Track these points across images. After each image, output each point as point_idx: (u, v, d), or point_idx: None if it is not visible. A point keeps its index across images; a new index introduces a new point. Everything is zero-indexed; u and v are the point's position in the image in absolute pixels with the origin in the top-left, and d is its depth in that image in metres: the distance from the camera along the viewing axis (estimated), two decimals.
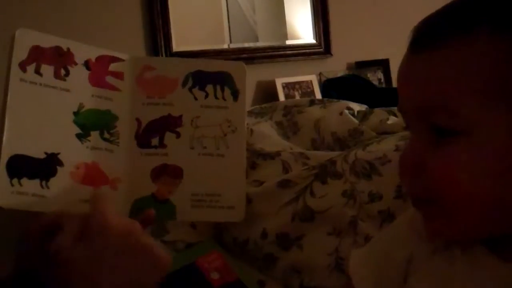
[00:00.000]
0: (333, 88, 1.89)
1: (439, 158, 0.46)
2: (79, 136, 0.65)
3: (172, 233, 0.84)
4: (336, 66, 2.06)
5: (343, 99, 1.16)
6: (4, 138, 0.60)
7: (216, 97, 0.68)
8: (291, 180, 0.82)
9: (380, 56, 2.08)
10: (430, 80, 0.46)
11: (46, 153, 0.62)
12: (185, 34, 1.80)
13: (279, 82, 1.88)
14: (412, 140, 0.49)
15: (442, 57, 0.46)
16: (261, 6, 2.06)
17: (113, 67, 0.67)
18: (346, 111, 1.03)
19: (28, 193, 0.61)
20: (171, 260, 0.57)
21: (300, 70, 1.98)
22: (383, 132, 0.95)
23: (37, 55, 0.63)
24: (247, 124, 1.00)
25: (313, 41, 2.05)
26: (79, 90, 0.65)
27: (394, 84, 2.09)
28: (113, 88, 0.67)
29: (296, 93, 1.90)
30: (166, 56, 1.67)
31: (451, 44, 0.45)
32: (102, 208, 0.56)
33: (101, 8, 1.66)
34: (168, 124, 0.67)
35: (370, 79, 2.05)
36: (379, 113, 1.02)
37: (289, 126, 1.05)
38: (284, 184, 0.82)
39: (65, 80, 0.64)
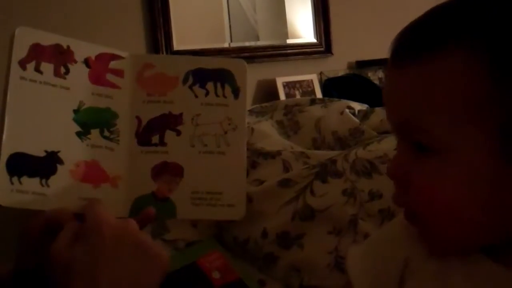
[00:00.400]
0: (334, 88, 1.89)
1: (420, 173, 0.46)
2: (79, 134, 0.64)
3: (173, 232, 0.84)
4: (336, 65, 2.06)
5: (344, 98, 1.16)
6: (4, 136, 0.60)
7: (216, 95, 0.68)
8: (291, 179, 0.82)
9: (381, 55, 2.06)
10: (404, 98, 0.46)
11: (46, 151, 0.62)
12: (186, 33, 1.80)
13: (279, 81, 1.88)
14: (397, 153, 0.49)
15: (414, 75, 0.45)
16: (262, 5, 2.06)
17: (113, 64, 0.67)
18: (347, 111, 1.03)
19: (28, 191, 0.61)
20: (170, 258, 0.57)
21: (301, 69, 1.98)
22: (384, 132, 0.95)
23: (37, 53, 0.63)
24: (248, 123, 1.00)
25: (314, 40, 2.05)
26: (79, 88, 0.65)
27: None
28: (113, 86, 0.67)
29: (297, 92, 1.90)
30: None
31: (422, 62, 0.45)
32: (96, 208, 0.56)
33: (102, 7, 1.66)
34: (168, 122, 0.67)
35: (371, 78, 2.05)
36: (379, 112, 1.02)
37: (289, 125, 1.05)
38: (284, 183, 0.82)
39: (65, 78, 0.64)
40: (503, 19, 0.43)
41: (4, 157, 0.60)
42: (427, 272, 0.51)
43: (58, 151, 0.63)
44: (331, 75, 2.00)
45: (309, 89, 1.94)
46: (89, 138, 0.65)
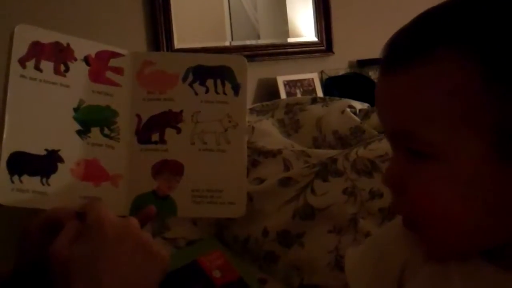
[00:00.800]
0: (335, 86, 1.89)
1: (415, 180, 0.46)
2: (79, 133, 0.64)
3: (173, 230, 0.84)
4: (337, 64, 2.06)
5: (345, 97, 1.16)
6: (4, 135, 0.60)
7: (216, 92, 0.67)
8: (292, 178, 0.82)
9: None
10: (397, 104, 0.46)
11: (46, 149, 0.62)
12: (187, 31, 1.80)
13: (280, 80, 1.88)
14: (392, 160, 0.49)
15: (405, 81, 0.45)
16: (263, 3, 2.06)
17: (113, 62, 0.67)
18: (348, 110, 1.03)
19: (28, 190, 0.61)
20: (171, 257, 0.57)
21: (302, 68, 1.98)
22: None
23: (37, 51, 0.62)
24: (249, 122, 1.00)
25: (315, 39, 2.05)
26: (79, 86, 0.65)
27: None
28: (113, 83, 0.66)
29: (298, 91, 1.90)
30: None
31: (413, 67, 0.44)
32: (98, 207, 0.56)
33: (103, 5, 1.66)
34: (168, 120, 0.67)
35: (372, 77, 2.04)
36: None
37: (290, 124, 1.05)
38: (285, 182, 0.82)
39: (65, 76, 0.64)
40: (493, 22, 0.43)
41: (5, 156, 0.59)
42: (426, 274, 0.50)
43: (59, 150, 0.62)
44: (332, 74, 1.99)
45: (310, 88, 1.94)
46: (89, 137, 0.64)
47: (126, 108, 0.66)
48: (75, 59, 0.65)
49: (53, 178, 0.62)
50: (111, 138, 0.65)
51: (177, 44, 1.74)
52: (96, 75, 0.66)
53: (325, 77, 1.99)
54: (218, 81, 0.67)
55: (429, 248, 0.49)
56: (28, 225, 0.60)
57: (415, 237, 0.51)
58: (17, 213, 0.61)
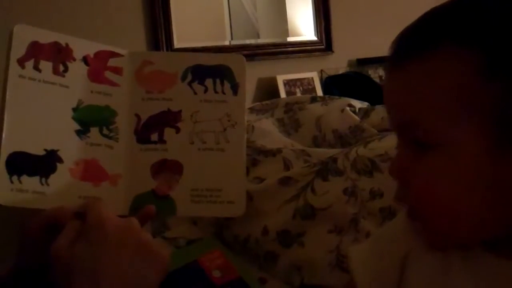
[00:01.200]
0: (335, 85, 1.89)
1: (420, 170, 0.47)
2: (78, 133, 0.64)
3: (173, 230, 0.84)
4: (337, 63, 2.05)
5: (344, 96, 1.15)
6: (4, 135, 0.59)
7: (215, 91, 0.67)
8: (292, 177, 0.82)
9: (382, 53, 2.05)
10: (402, 97, 0.48)
11: (45, 150, 0.62)
12: (186, 31, 1.80)
13: (280, 79, 1.88)
14: (398, 151, 0.51)
15: (410, 74, 0.47)
16: (263, 3, 2.06)
17: (112, 62, 0.67)
18: (348, 108, 1.03)
19: (28, 190, 0.61)
20: (171, 257, 0.57)
21: (301, 67, 1.97)
22: (384, 130, 0.95)
23: (36, 51, 0.62)
24: (249, 121, 0.99)
25: (315, 38, 2.05)
26: (78, 86, 0.65)
27: None
28: (112, 83, 0.66)
29: (297, 90, 1.90)
30: None
31: (417, 62, 0.46)
32: (98, 207, 0.56)
33: (102, 4, 1.66)
34: (167, 119, 0.67)
35: (372, 76, 2.04)
36: (380, 110, 1.02)
37: (290, 123, 1.05)
38: (285, 182, 0.82)
39: (64, 76, 0.64)
40: (495, 20, 0.44)
41: (4, 156, 0.59)
42: (427, 261, 0.52)
43: (58, 150, 0.62)
44: (332, 73, 1.99)
45: (310, 87, 1.94)
46: (89, 137, 0.64)
47: (125, 108, 0.66)
48: (74, 59, 0.65)
49: (52, 178, 0.62)
50: (110, 138, 0.65)
51: (176, 44, 1.74)
52: (95, 75, 0.65)
53: (324, 76, 1.98)
54: (217, 81, 0.67)
55: (431, 238, 0.51)
56: (28, 225, 0.60)
57: (418, 228, 0.52)
58: (17, 213, 0.61)
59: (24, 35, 0.62)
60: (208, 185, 0.66)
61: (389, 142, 0.81)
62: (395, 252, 0.55)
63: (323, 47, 2.05)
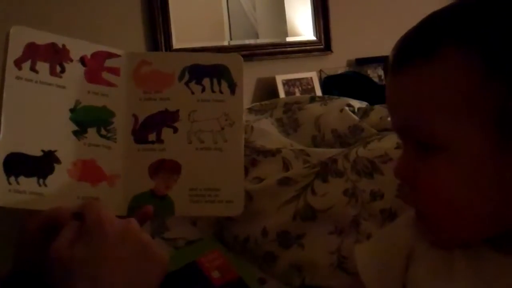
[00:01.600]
0: (334, 85, 1.89)
1: (425, 171, 0.48)
2: (76, 133, 0.64)
3: (173, 231, 0.84)
4: (336, 63, 2.06)
5: (344, 96, 1.15)
6: (1, 137, 0.59)
7: (213, 91, 0.67)
8: (291, 178, 0.82)
9: (381, 53, 2.06)
10: (406, 99, 0.49)
11: (43, 150, 0.62)
12: (185, 31, 1.80)
13: (279, 79, 1.88)
14: (403, 153, 0.51)
15: (413, 76, 0.48)
16: (262, 3, 2.06)
17: (109, 63, 0.66)
18: (347, 108, 1.03)
19: (25, 191, 0.60)
20: (170, 257, 0.57)
21: (300, 67, 1.97)
22: (384, 129, 0.94)
23: (32, 52, 0.62)
24: (248, 121, 0.99)
25: (314, 38, 2.05)
26: (75, 86, 0.64)
27: None
28: (109, 84, 0.66)
29: (296, 90, 1.89)
30: None
31: (419, 65, 0.47)
32: (96, 207, 0.56)
33: (101, 5, 1.66)
34: (165, 119, 0.67)
35: (370, 76, 2.04)
36: (379, 110, 1.01)
37: (289, 123, 1.04)
38: (284, 182, 0.82)
39: (61, 77, 0.64)
40: (495, 23, 0.45)
41: (1, 157, 0.59)
42: (431, 257, 0.53)
43: (55, 151, 0.62)
44: (331, 72, 1.99)
45: (309, 87, 1.94)
46: (86, 137, 0.64)
47: (122, 108, 0.66)
48: (71, 60, 0.64)
49: (50, 179, 0.61)
50: (107, 138, 0.65)
51: (175, 44, 1.74)
52: (92, 76, 0.65)
53: (323, 76, 1.98)
54: (214, 80, 0.67)
55: (436, 237, 0.52)
56: (26, 226, 0.59)
57: (422, 227, 0.53)
58: (15, 214, 0.61)
59: (21, 36, 0.62)
60: (206, 184, 0.66)
61: (389, 142, 0.81)
62: (399, 250, 0.56)
63: (322, 47, 2.05)
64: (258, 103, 1.13)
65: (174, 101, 0.67)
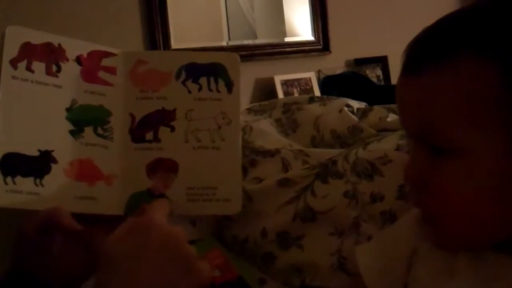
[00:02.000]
0: (332, 85, 1.89)
1: (437, 175, 0.48)
2: (72, 133, 0.64)
3: None
4: (334, 63, 2.06)
5: (342, 96, 1.15)
6: None
7: (210, 90, 0.67)
8: (291, 179, 0.81)
9: (379, 53, 2.07)
10: (420, 105, 0.49)
11: (39, 150, 0.62)
12: (184, 31, 1.80)
13: (277, 79, 1.88)
14: (414, 155, 0.51)
15: (430, 82, 0.48)
16: (260, 3, 2.06)
17: (105, 62, 0.66)
18: (346, 109, 1.02)
19: (22, 191, 0.60)
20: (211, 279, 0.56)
21: (299, 67, 1.98)
22: (383, 130, 0.94)
23: (28, 52, 0.62)
24: (247, 121, 0.99)
25: (312, 38, 2.05)
26: (71, 86, 0.64)
27: (393, 81, 2.09)
28: (105, 83, 0.66)
29: (295, 90, 1.89)
30: None
31: (435, 69, 0.47)
32: (154, 208, 0.57)
33: (99, 5, 1.66)
34: (162, 118, 0.66)
35: (369, 76, 2.05)
36: (378, 110, 1.01)
37: (288, 124, 1.04)
38: (284, 183, 0.81)
39: (57, 76, 0.64)
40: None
41: None
42: (435, 260, 0.53)
43: (52, 150, 0.62)
44: (329, 73, 1.99)
45: (307, 87, 1.93)
46: (83, 136, 0.64)
47: (119, 108, 0.66)
48: (67, 60, 0.64)
49: (47, 178, 0.61)
50: (104, 137, 0.65)
51: (174, 44, 1.74)
52: (89, 75, 0.65)
53: (322, 76, 1.98)
54: (211, 79, 0.67)
55: (443, 241, 0.52)
56: (24, 226, 0.59)
57: (426, 229, 0.53)
58: (12, 214, 0.61)
59: (17, 36, 0.62)
60: (204, 183, 0.65)
61: (388, 143, 0.81)
62: (402, 251, 0.56)
63: (320, 47, 2.05)
64: (257, 104, 1.13)
65: (171, 100, 0.66)
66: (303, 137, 1.01)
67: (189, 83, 0.67)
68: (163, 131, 0.66)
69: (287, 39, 2.04)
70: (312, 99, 1.09)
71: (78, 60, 0.65)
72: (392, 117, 0.96)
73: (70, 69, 0.64)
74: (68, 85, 0.64)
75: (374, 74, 2.06)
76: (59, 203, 0.60)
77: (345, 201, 0.77)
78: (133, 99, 0.66)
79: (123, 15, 1.70)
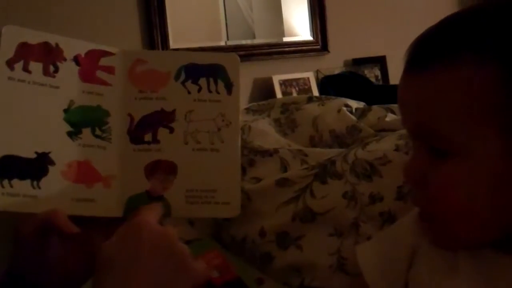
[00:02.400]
0: (331, 85, 1.89)
1: (437, 175, 0.48)
2: (70, 134, 0.63)
3: None
4: (333, 63, 2.06)
5: (341, 96, 1.15)
6: None
7: (209, 91, 0.66)
8: (289, 179, 0.81)
9: (377, 53, 2.07)
10: (421, 103, 0.49)
11: (36, 152, 0.61)
12: (182, 31, 1.80)
13: (276, 79, 1.87)
14: (415, 154, 0.52)
15: (430, 82, 0.48)
16: (258, 3, 2.06)
17: (103, 61, 0.66)
18: (344, 109, 1.02)
19: (19, 194, 0.60)
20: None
21: (297, 67, 1.97)
22: (381, 130, 0.94)
23: (25, 52, 0.61)
24: (245, 121, 0.99)
25: (310, 38, 2.05)
26: (69, 86, 0.64)
27: (391, 81, 2.09)
28: (104, 83, 0.65)
29: (293, 90, 1.89)
30: None
31: (437, 70, 0.47)
32: (144, 211, 0.57)
33: (98, 5, 1.65)
34: (161, 119, 0.66)
35: (367, 76, 2.05)
36: (377, 110, 1.01)
37: (287, 123, 1.04)
38: (282, 183, 0.81)
39: (54, 76, 0.63)
40: None
41: None
42: (435, 259, 0.53)
43: (49, 152, 0.61)
44: (328, 73, 1.99)
45: (306, 87, 1.93)
46: (81, 138, 0.63)
47: (117, 108, 0.65)
48: (65, 59, 0.64)
49: (44, 181, 0.61)
50: (102, 138, 0.64)
51: (172, 44, 1.74)
52: (86, 75, 0.64)
53: (320, 76, 1.98)
54: (211, 80, 0.66)
55: (442, 240, 0.52)
56: (21, 229, 0.59)
57: (425, 228, 0.54)
58: (10, 217, 0.60)
59: (13, 36, 0.61)
60: (203, 185, 0.65)
61: (387, 143, 0.81)
62: (402, 250, 0.57)
63: (318, 47, 2.05)
64: (255, 103, 1.13)
65: (170, 101, 0.66)
66: (301, 137, 1.01)
67: (189, 84, 0.66)
68: (162, 132, 0.65)
69: (285, 39, 2.04)
70: (310, 99, 1.09)
71: (76, 60, 0.64)
72: (390, 117, 0.96)
73: (68, 69, 0.64)
74: (66, 86, 0.63)
75: (372, 74, 2.06)
76: (57, 205, 0.59)
77: (344, 202, 0.77)
78: (131, 100, 0.66)
79: (121, 15, 1.70)
